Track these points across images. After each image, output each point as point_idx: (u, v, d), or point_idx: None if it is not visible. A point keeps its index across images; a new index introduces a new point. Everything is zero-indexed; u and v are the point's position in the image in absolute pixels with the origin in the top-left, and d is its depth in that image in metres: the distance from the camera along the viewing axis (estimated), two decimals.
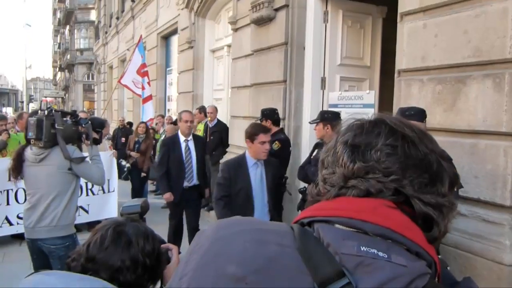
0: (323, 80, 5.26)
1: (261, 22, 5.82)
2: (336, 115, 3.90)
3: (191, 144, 4.96)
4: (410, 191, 0.72)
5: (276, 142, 4.50)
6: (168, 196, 4.82)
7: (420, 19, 3.52)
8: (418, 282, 0.64)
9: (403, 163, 0.73)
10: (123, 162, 7.63)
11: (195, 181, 4.95)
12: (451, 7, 3.30)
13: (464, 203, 3.09)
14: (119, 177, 6.83)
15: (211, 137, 7.10)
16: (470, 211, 3.11)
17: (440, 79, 3.33)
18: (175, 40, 11.01)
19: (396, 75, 3.76)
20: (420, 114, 3.19)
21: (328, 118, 3.80)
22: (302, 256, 0.67)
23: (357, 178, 0.74)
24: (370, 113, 0.87)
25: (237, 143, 6.53)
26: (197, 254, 0.71)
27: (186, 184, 4.89)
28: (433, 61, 3.39)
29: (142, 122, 8.31)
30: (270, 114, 4.73)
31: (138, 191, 7.69)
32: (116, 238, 1.36)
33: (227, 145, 7.06)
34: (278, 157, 4.40)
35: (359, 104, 4.50)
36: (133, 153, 7.66)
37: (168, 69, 12.24)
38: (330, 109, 4.73)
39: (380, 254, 0.66)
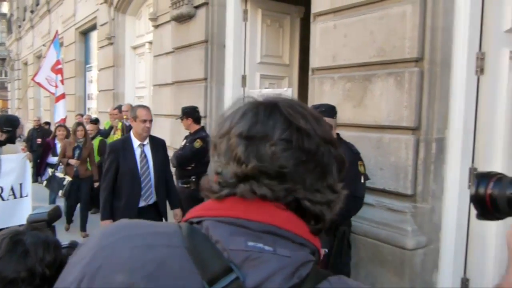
0: (243, 77, 5.34)
1: (181, 19, 5.77)
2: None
3: (148, 150, 3.86)
4: (301, 194, 0.73)
5: (198, 140, 4.49)
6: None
7: (331, 20, 3.69)
8: (302, 270, 0.68)
9: (297, 159, 0.72)
10: (58, 174, 6.39)
11: (154, 198, 3.86)
12: (359, 9, 3.49)
13: (371, 194, 3.30)
14: (60, 192, 6.25)
15: None
16: (376, 201, 3.32)
17: (349, 77, 3.52)
18: (94, 36, 10.59)
19: (310, 73, 3.92)
20: (331, 111, 3.35)
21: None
22: (191, 255, 0.68)
23: (250, 180, 0.72)
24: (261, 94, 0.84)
25: None
26: (79, 266, 0.70)
27: (142, 203, 3.81)
28: (343, 60, 3.57)
29: (61, 126, 7.70)
30: (190, 112, 4.72)
31: (86, 204, 6.41)
32: (12, 248, 1.30)
33: None
34: (200, 155, 4.41)
35: None
36: (72, 161, 6.29)
37: (87, 66, 11.74)
38: None
39: (266, 248, 0.69)
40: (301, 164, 0.72)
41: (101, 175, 4.17)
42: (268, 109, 0.75)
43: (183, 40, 5.85)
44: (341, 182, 0.79)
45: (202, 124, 4.91)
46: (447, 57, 3.06)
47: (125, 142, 3.88)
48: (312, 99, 3.82)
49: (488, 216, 0.90)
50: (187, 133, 4.79)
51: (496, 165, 3.04)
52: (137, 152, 3.82)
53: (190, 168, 4.60)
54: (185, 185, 4.59)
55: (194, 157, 4.50)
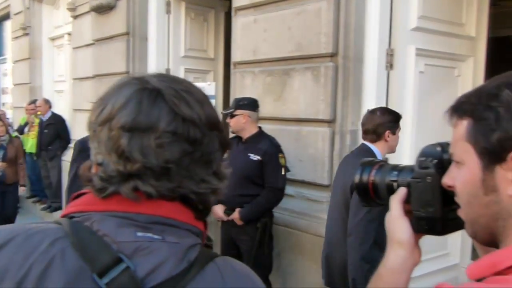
0: (167, 71, 5.23)
1: (101, 10, 5.55)
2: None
3: None
4: (186, 189, 0.73)
5: None
6: None
7: (251, 14, 3.73)
8: (190, 253, 0.71)
9: (183, 151, 0.71)
10: None
11: None
12: (278, 4, 3.56)
13: (291, 185, 3.39)
14: None
15: (45, 130, 6.66)
16: (296, 192, 3.42)
17: (269, 71, 3.59)
18: (8, 25, 9.88)
19: (232, 67, 3.94)
20: (253, 104, 3.40)
21: None
22: (78, 250, 0.67)
23: (135, 178, 0.70)
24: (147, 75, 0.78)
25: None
26: None
27: None
28: (263, 54, 3.62)
29: None
30: None
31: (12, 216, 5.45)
32: None
33: (66, 139, 6.72)
34: None
35: None
36: None
37: (1, 58, 10.95)
38: None
39: (155, 237, 0.70)
40: (187, 155, 0.72)
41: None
42: (152, 96, 0.72)
43: (103, 32, 5.63)
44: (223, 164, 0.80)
45: None
46: (360, 52, 3.20)
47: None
48: (234, 93, 3.85)
49: (371, 202, 0.94)
50: None
51: (405, 156, 3.24)
52: None
53: None
54: None
55: None
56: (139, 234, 0.69)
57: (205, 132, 0.74)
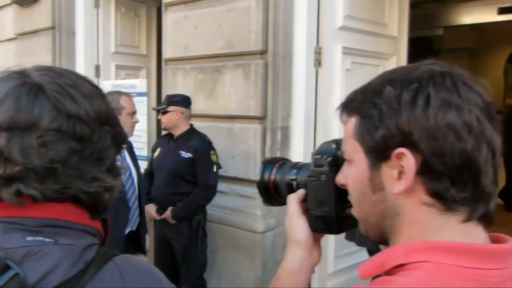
0: (97, 68, 5.06)
1: (24, 2, 5.24)
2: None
3: (127, 156, 2.89)
4: (75, 189, 0.70)
5: None
6: None
7: (182, 10, 3.68)
8: (87, 254, 0.68)
9: (70, 150, 0.68)
10: None
11: (138, 220, 3.03)
12: (208, 1, 3.54)
13: (224, 182, 3.40)
14: None
15: None
16: (229, 188, 3.43)
17: (200, 68, 3.56)
18: None
19: (163, 63, 3.87)
20: (185, 101, 3.36)
21: None
22: None
23: (16, 182, 0.66)
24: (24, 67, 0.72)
25: None
26: None
27: (128, 229, 2.94)
28: (194, 51, 3.59)
29: None
30: None
31: None
32: None
33: None
34: None
35: (132, 92, 4.46)
36: None
37: None
38: None
39: (47, 240, 0.67)
40: (74, 154, 0.69)
41: None
42: (33, 92, 0.69)
43: (27, 26, 5.32)
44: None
45: None
46: (289, 50, 3.26)
47: None
48: (165, 90, 3.78)
49: (273, 201, 0.91)
50: None
51: None
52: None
53: None
54: None
55: None
56: (29, 238, 0.66)
57: (94, 128, 0.71)
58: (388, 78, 0.65)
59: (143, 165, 3.59)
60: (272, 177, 0.89)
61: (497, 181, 0.63)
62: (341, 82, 3.43)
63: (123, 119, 2.75)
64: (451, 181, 0.59)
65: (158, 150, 3.32)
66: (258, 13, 3.19)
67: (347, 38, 3.45)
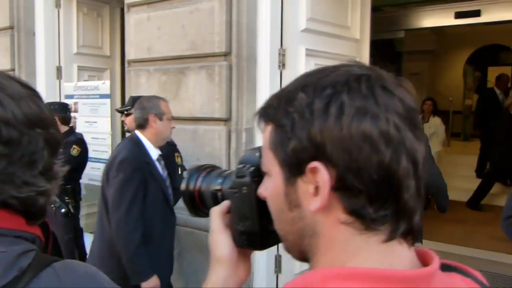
0: (58, 69, 4.92)
1: None
2: (64, 107, 3.72)
3: (162, 165, 2.84)
4: (4, 194, 0.68)
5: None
6: (156, 283, 2.56)
7: (145, 11, 3.63)
8: (22, 260, 0.66)
9: (5, 157, 0.67)
10: None
11: None
12: (171, 2, 3.50)
13: None
14: None
15: None
16: None
17: (164, 70, 3.52)
18: None
19: (126, 65, 3.81)
20: None
21: (55, 110, 3.60)
22: None
23: None
24: None
25: None
26: None
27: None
28: (158, 52, 3.55)
29: None
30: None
31: None
32: None
33: None
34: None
35: (95, 94, 4.39)
36: None
37: None
38: (66, 100, 4.49)
39: None
40: (2, 158, 0.67)
41: None
42: None
43: None
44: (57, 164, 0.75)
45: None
46: (253, 52, 3.26)
47: (144, 153, 2.65)
48: (129, 91, 3.72)
49: (200, 213, 0.84)
50: None
51: None
52: (160, 169, 2.74)
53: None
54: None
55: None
56: None
57: (23, 131, 0.69)
58: (302, 83, 0.59)
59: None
60: (198, 186, 0.81)
61: (421, 193, 0.57)
62: None
63: (164, 124, 2.75)
64: (369, 198, 0.53)
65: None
66: (222, 15, 3.18)
67: (311, 40, 3.49)
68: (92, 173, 4.23)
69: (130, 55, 3.74)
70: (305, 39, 3.45)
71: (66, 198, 3.51)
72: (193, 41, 3.34)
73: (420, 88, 7.89)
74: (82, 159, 3.66)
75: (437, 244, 4.32)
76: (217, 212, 0.75)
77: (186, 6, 3.38)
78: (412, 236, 0.58)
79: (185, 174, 0.83)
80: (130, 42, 3.74)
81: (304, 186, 0.57)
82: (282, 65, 3.36)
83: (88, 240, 4.06)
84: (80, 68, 5.08)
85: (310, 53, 3.48)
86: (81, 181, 3.79)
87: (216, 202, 0.77)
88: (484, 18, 4.75)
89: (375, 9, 4.64)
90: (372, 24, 4.06)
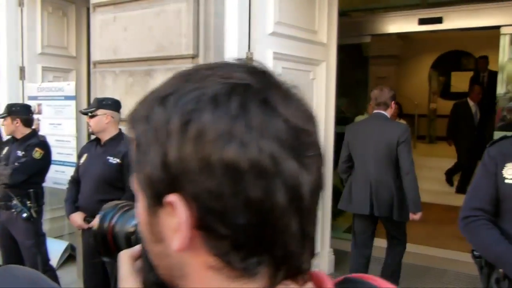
0: (21, 69, 4.78)
1: None
2: (26, 108, 3.61)
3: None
4: None
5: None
6: None
7: (111, 12, 3.57)
8: None
9: None
10: None
11: None
12: (138, 3, 3.46)
13: None
14: None
15: None
16: None
17: (131, 71, 3.47)
18: None
19: (92, 66, 3.74)
20: (116, 105, 3.25)
21: (17, 111, 3.49)
22: None
23: None
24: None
25: None
26: None
27: None
28: (124, 54, 3.50)
29: None
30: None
31: None
32: None
33: None
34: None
35: (60, 96, 4.28)
36: None
37: None
38: (29, 101, 4.36)
39: None
40: None
41: None
42: None
43: None
44: None
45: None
46: (221, 54, 3.25)
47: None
48: (94, 93, 3.65)
49: (113, 255, 0.72)
50: None
51: None
52: None
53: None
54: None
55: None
56: None
57: None
58: (164, 92, 0.48)
59: (71, 172, 3.44)
60: (111, 227, 0.72)
61: (308, 232, 0.48)
62: None
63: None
64: (235, 243, 0.44)
65: (84, 156, 3.19)
66: (189, 17, 3.16)
67: (278, 44, 3.52)
68: (56, 177, 4.12)
69: (95, 56, 3.67)
70: (273, 42, 3.47)
71: (28, 202, 3.40)
72: (160, 43, 3.31)
73: None
74: (45, 162, 3.56)
75: None
76: (126, 257, 0.61)
77: (153, 7, 3.34)
78: (305, 271, 0.49)
79: (100, 213, 0.73)
80: (95, 43, 3.67)
81: (166, 218, 0.46)
82: None
83: (52, 245, 3.96)
84: (44, 69, 4.95)
85: (277, 56, 3.50)
86: (44, 184, 3.68)
87: (130, 245, 0.68)
88: (446, 25, 4.91)
89: (342, 14, 4.71)
90: (339, 28, 4.13)
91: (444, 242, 4.77)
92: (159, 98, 0.47)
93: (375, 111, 3.55)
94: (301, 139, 0.45)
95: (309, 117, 0.48)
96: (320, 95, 4.01)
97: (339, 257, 4.39)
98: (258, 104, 0.44)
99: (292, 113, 0.46)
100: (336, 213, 5.32)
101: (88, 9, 5.42)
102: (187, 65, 3.21)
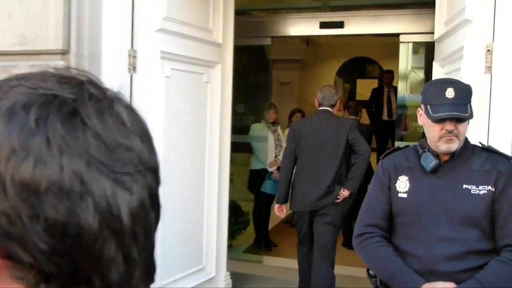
0: None
1: None
2: None
3: None
4: None
5: None
6: None
7: None
8: None
9: None
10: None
11: None
12: None
13: None
14: None
15: None
16: None
17: None
18: None
19: None
20: None
21: None
22: None
23: None
24: None
25: None
26: None
27: None
28: None
29: None
30: None
31: None
32: None
33: None
34: None
35: None
36: None
37: None
38: None
39: None
40: None
41: None
42: None
43: None
44: None
45: None
46: (97, 51, 3.08)
47: None
48: None
49: None
50: None
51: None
52: None
53: None
54: None
55: None
56: None
57: None
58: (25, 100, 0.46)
59: None
60: None
61: (139, 252, 0.48)
62: (160, 90, 3.37)
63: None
64: (44, 273, 0.44)
65: None
66: (58, 5, 2.94)
67: (167, 42, 3.42)
68: None
69: None
70: (161, 40, 3.37)
71: None
72: (22, 35, 3.04)
73: (290, 98, 8.30)
74: None
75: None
76: None
77: None
78: None
79: None
80: None
81: None
82: (132, 68, 3.24)
83: None
84: None
85: (166, 56, 3.41)
86: None
87: None
88: (347, 30, 5.16)
89: (241, 12, 4.75)
90: (237, 28, 4.14)
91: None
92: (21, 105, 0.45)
93: (322, 107, 4.01)
94: (118, 155, 0.46)
95: (133, 131, 0.49)
96: (215, 100, 3.97)
97: (237, 280, 4.35)
98: (64, 117, 0.44)
99: (106, 128, 0.46)
100: (234, 232, 5.30)
101: None
102: (56, 61, 2.99)
